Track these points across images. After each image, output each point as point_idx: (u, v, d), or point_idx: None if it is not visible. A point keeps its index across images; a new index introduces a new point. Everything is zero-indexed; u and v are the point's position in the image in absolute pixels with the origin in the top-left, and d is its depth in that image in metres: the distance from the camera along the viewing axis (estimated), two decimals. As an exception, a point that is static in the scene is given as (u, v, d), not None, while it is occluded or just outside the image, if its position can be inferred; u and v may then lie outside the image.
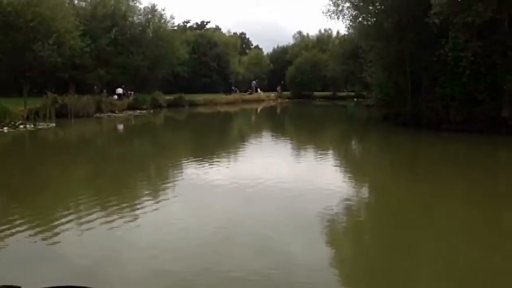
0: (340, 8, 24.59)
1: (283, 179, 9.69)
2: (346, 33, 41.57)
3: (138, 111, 31.83)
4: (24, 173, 11.06)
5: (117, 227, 6.51)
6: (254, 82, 55.39)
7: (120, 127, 24.58)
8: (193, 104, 38.89)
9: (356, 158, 15.13)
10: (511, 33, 17.59)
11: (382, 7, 22.34)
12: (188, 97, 39.43)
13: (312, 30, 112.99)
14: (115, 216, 6.95)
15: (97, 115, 27.44)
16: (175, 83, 45.96)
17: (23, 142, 18.09)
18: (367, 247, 6.27)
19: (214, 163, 12.37)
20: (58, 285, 4.13)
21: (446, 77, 19.11)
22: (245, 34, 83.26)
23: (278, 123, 29.69)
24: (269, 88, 60.07)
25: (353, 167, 12.65)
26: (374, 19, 23.44)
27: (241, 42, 73.63)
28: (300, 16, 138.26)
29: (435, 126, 19.24)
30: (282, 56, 70.18)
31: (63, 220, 6.77)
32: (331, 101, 54.31)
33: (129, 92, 36.41)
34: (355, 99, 52.42)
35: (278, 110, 42.51)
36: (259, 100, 49.82)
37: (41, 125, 21.51)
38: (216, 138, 20.00)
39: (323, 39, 67.21)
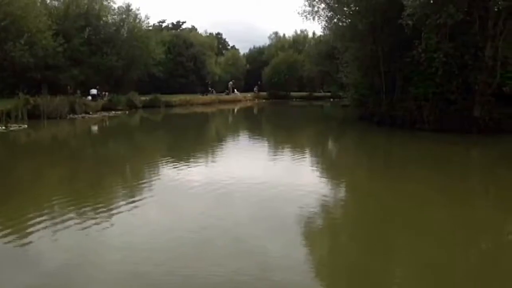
0: (316, 9, 24.79)
1: (259, 180, 9.68)
2: (322, 34, 42.02)
3: (113, 112, 31.35)
4: (-6, 176, 10.76)
5: (91, 229, 6.40)
6: (231, 82, 55.27)
7: (94, 128, 24.18)
8: (169, 104, 38.55)
9: (331, 158, 15.25)
10: (482, 34, 18.02)
11: (357, 8, 22.59)
12: (164, 97, 39.07)
13: (288, 30, 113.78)
14: (89, 218, 6.84)
15: (71, 116, 26.90)
16: (151, 84, 45.50)
17: (-7, 144, 17.60)
18: (343, 246, 6.32)
19: (190, 164, 12.28)
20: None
21: (419, 77, 19.49)
22: (221, 34, 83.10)
23: (255, 124, 29.69)
24: (246, 89, 60.04)
25: (329, 167, 12.75)
26: (349, 20, 23.70)
27: (218, 42, 73.38)
28: (276, 17, 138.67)
29: (409, 126, 19.57)
30: (258, 56, 70.27)
31: (36, 222, 6.62)
32: (308, 101, 54.70)
33: (103, 92, 35.86)
34: (332, 99, 52.93)
35: (255, 111, 42.53)
36: (236, 101, 49.74)
37: (13, 127, 21.01)
38: (193, 139, 19.86)
39: (299, 40, 67.62)
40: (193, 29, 72.14)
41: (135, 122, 29.15)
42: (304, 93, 60.08)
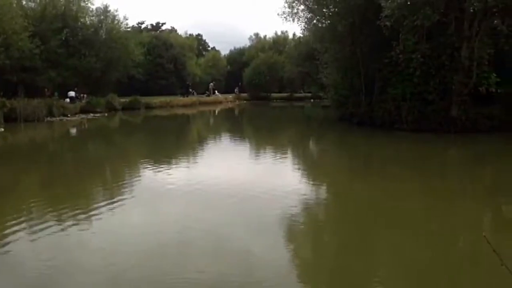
0: (295, 10, 24.90)
1: (240, 181, 9.69)
2: (302, 35, 42.22)
3: (92, 115, 30.91)
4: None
5: (70, 230, 6.34)
6: (211, 84, 55.04)
7: (73, 131, 23.82)
8: (149, 106, 38.20)
9: (312, 159, 15.34)
10: (458, 35, 18.34)
11: (336, 9, 22.76)
12: (144, 99, 38.68)
13: (268, 32, 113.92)
14: (70, 223, 6.73)
15: (48, 119, 26.43)
16: (130, 86, 45.01)
17: (-32, 148, 17.19)
18: (325, 246, 6.35)
19: (171, 166, 12.22)
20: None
21: (398, 78, 19.70)
22: (201, 35, 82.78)
23: (236, 125, 29.65)
24: (226, 90, 59.88)
25: (309, 167, 12.82)
26: (328, 22, 23.87)
27: (198, 43, 73.11)
28: (257, 18, 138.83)
29: (388, 126, 19.79)
30: (239, 57, 70.13)
31: (15, 227, 6.49)
32: (289, 102, 54.92)
33: (82, 95, 35.34)
34: (312, 100, 53.20)
35: (236, 112, 42.48)
36: (216, 102, 49.55)
37: (-11, 130, 20.59)
38: (173, 141, 19.74)
39: (280, 41, 67.71)
40: (173, 30, 71.70)
41: (115, 124, 28.82)
42: (284, 94, 60.26)
